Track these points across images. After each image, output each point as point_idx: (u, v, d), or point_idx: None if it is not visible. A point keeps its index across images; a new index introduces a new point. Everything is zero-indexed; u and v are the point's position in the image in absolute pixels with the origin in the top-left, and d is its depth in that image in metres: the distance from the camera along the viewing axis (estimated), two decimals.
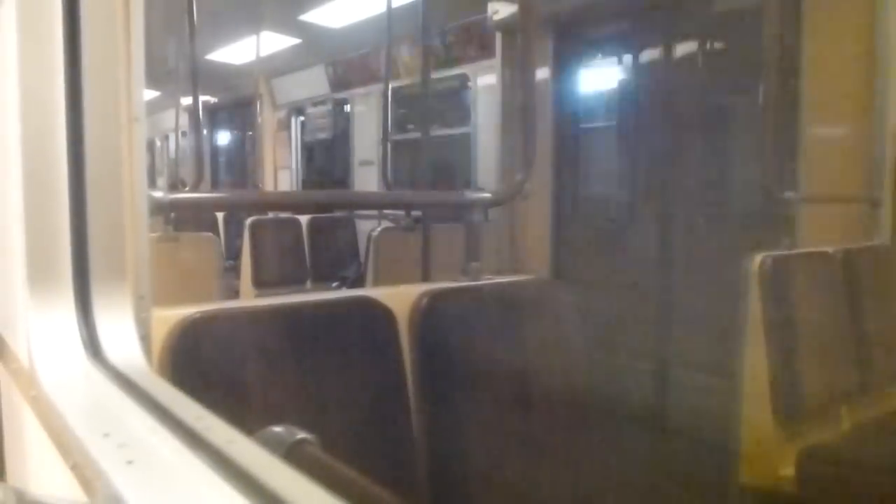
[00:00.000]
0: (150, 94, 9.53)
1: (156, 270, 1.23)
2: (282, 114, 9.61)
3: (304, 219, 6.50)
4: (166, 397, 0.88)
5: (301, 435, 0.85)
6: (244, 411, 1.38)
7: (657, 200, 4.72)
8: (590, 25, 5.27)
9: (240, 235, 6.39)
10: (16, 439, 1.43)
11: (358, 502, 0.59)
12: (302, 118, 9.44)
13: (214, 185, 11.49)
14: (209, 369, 1.41)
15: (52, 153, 1.11)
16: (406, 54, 6.69)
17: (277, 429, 0.85)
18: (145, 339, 1.17)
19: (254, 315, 1.53)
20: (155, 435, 0.78)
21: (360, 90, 7.98)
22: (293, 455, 0.82)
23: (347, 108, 8.41)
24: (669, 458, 3.97)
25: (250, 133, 10.83)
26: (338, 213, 6.92)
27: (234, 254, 6.73)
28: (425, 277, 3.84)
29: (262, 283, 5.90)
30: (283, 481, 0.62)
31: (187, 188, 6.20)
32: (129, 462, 0.72)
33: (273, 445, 0.81)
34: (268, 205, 4.69)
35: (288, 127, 9.59)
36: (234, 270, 6.28)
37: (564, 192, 5.31)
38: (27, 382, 1.10)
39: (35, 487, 1.03)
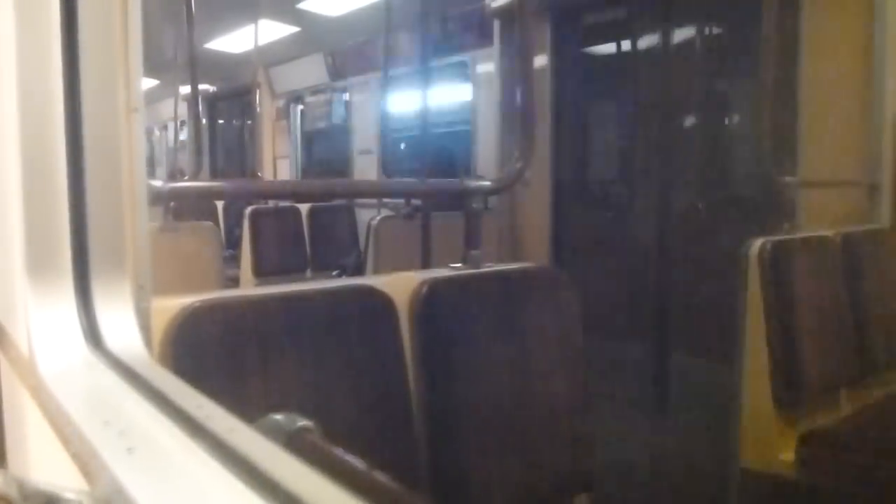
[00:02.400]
0: (148, 83, 9.51)
1: (155, 260, 1.23)
2: (281, 103, 9.58)
3: (303, 208, 6.49)
4: (167, 386, 0.88)
5: (302, 422, 0.85)
6: (245, 400, 1.39)
7: (657, 186, 4.71)
8: (588, 11, 5.25)
9: (239, 225, 6.38)
10: (16, 428, 1.43)
11: (359, 489, 0.59)
12: (301, 107, 9.42)
13: (214, 175, 11.47)
14: (210, 358, 1.41)
15: (50, 143, 1.11)
16: (405, 42, 6.67)
17: (278, 416, 0.85)
18: (145, 328, 1.17)
19: (254, 304, 1.53)
20: (155, 423, 0.78)
21: (359, 78, 7.95)
22: (294, 442, 0.82)
23: (346, 96, 8.38)
24: (670, 443, 3.99)
25: (249, 122, 10.81)
26: (337, 202, 6.92)
27: (233, 243, 6.74)
28: (425, 265, 3.85)
29: (261, 273, 5.90)
30: (284, 469, 0.62)
31: (186, 177, 6.19)
32: (130, 450, 0.72)
33: (274, 433, 0.81)
34: (267, 193, 4.69)
35: (287, 116, 9.57)
36: (234, 260, 6.28)
37: (564, 179, 5.29)
38: (27, 371, 1.10)
39: (36, 476, 1.03)
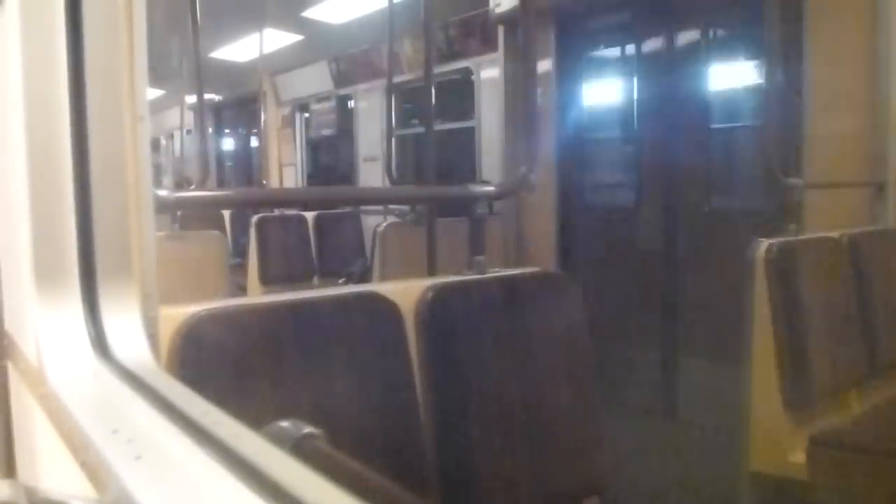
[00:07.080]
0: (154, 93, 9.55)
1: (163, 269, 1.23)
2: (286, 111, 9.62)
3: (310, 215, 6.51)
4: (174, 394, 0.88)
5: (308, 429, 0.85)
6: (252, 407, 1.39)
7: (662, 190, 4.71)
8: (592, 17, 5.26)
9: (246, 233, 6.41)
10: (26, 437, 1.44)
11: (365, 496, 0.59)
12: (306, 115, 9.45)
13: (220, 184, 11.51)
14: (217, 366, 1.41)
15: (56, 152, 1.12)
16: (409, 49, 6.69)
17: (284, 423, 0.85)
18: (153, 337, 1.17)
19: (261, 312, 1.53)
20: (163, 431, 0.78)
21: (363, 86, 7.98)
22: (300, 449, 0.82)
23: (351, 103, 8.40)
24: (678, 449, 3.98)
25: (255, 130, 10.84)
26: (343, 209, 6.93)
27: (241, 251, 6.76)
28: (431, 272, 3.85)
29: (269, 280, 5.91)
30: (291, 475, 0.62)
31: (193, 186, 6.21)
32: (138, 457, 0.73)
33: (280, 440, 0.81)
34: (273, 201, 4.69)
35: (292, 124, 9.60)
36: (242, 268, 6.30)
37: (569, 184, 5.28)
38: (36, 380, 1.11)
39: (45, 484, 1.04)
